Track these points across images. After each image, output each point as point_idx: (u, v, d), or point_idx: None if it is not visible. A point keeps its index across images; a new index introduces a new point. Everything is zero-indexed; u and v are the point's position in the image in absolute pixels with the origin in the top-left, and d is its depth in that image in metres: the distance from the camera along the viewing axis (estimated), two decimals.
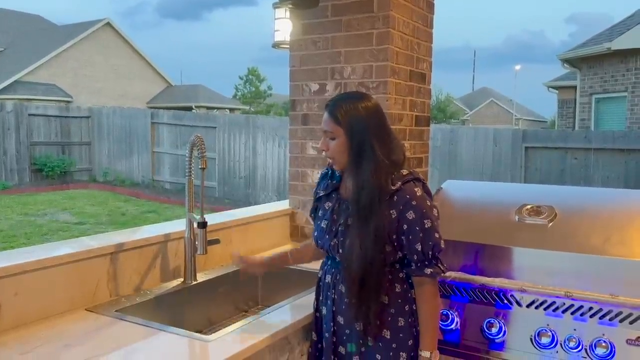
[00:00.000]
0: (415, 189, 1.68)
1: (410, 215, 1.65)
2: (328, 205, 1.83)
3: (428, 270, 1.67)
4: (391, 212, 1.65)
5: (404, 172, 1.71)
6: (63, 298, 1.86)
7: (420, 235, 1.65)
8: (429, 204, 1.69)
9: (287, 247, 2.92)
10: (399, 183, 1.67)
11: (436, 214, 1.70)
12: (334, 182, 1.84)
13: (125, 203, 11.63)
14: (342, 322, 1.77)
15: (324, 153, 1.78)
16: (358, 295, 1.68)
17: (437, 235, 1.67)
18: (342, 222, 1.74)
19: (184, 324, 1.97)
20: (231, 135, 12.15)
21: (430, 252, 1.67)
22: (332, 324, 1.79)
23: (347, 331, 1.76)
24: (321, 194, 1.86)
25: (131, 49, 24.68)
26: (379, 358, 1.72)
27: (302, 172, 3.00)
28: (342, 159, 1.72)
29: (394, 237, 1.66)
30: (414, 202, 1.65)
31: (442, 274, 1.73)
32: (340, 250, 1.73)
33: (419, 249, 1.65)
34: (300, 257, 2.10)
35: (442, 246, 1.69)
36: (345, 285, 1.74)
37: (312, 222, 1.98)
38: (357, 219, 1.67)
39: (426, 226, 1.65)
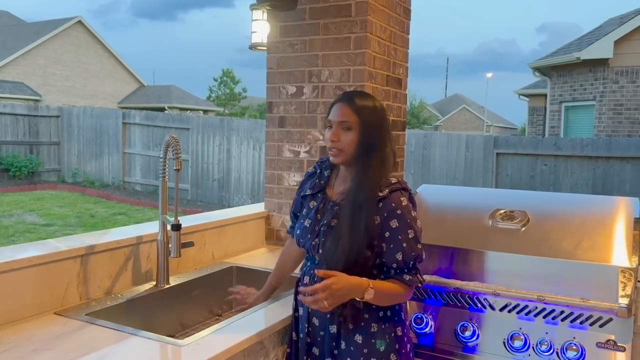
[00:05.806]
0: (402, 199, 1.67)
1: (394, 223, 1.64)
2: (313, 204, 1.82)
3: (407, 277, 1.67)
4: (375, 217, 1.64)
5: (393, 180, 1.71)
6: (31, 301, 1.80)
7: (404, 245, 1.64)
8: (413, 214, 1.68)
9: (262, 250, 2.91)
10: (387, 190, 1.67)
11: (419, 226, 1.70)
12: (322, 182, 1.84)
13: (94, 205, 11.42)
14: (317, 324, 1.77)
15: (330, 144, 1.71)
16: None
17: (419, 246, 1.68)
18: (325, 223, 1.73)
19: (156, 328, 1.93)
20: (205, 137, 12.04)
21: (412, 262, 1.67)
22: (307, 325, 1.79)
23: (322, 333, 1.76)
24: (307, 193, 1.85)
25: (103, 48, 24.31)
26: None
27: (279, 174, 2.99)
28: (350, 152, 1.69)
29: (375, 242, 1.66)
30: (398, 212, 1.65)
31: (419, 285, 1.72)
32: (321, 251, 1.72)
33: (400, 258, 1.65)
34: (282, 277, 2.11)
35: (423, 257, 1.71)
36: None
37: (291, 221, 1.97)
38: (349, 214, 1.65)
39: (410, 236, 1.65)
